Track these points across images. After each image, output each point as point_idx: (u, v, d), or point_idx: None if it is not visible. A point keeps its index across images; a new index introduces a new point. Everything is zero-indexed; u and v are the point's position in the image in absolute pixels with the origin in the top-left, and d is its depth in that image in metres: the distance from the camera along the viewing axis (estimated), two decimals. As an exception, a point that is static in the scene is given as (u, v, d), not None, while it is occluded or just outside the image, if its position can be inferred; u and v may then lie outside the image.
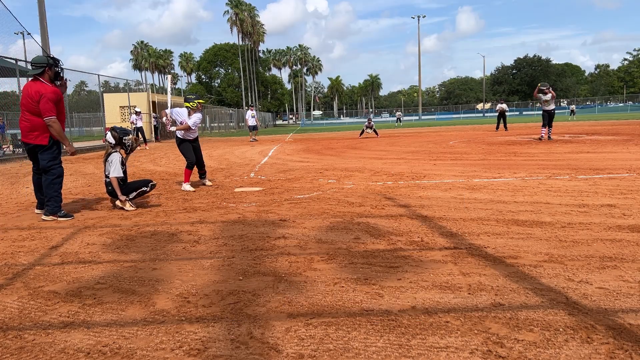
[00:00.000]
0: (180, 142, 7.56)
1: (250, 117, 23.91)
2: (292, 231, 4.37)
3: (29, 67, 16.39)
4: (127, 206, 5.75)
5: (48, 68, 5.37)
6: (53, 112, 5.25)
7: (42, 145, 5.35)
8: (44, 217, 5.40)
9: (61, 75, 5.62)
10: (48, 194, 5.38)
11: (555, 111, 15.53)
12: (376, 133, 22.18)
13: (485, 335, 2.20)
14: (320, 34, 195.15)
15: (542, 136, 15.18)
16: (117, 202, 5.82)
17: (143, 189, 5.98)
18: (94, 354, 2.17)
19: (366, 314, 2.49)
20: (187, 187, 7.29)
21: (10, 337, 2.37)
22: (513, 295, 2.68)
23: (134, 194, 5.90)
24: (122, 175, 5.80)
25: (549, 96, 14.90)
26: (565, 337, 2.16)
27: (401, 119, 52.40)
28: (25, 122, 5.32)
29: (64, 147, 5.54)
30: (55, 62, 5.49)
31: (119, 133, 5.93)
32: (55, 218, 5.34)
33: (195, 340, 2.27)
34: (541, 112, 15.35)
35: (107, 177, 5.83)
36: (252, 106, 26.62)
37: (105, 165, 5.88)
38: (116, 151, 5.89)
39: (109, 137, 5.92)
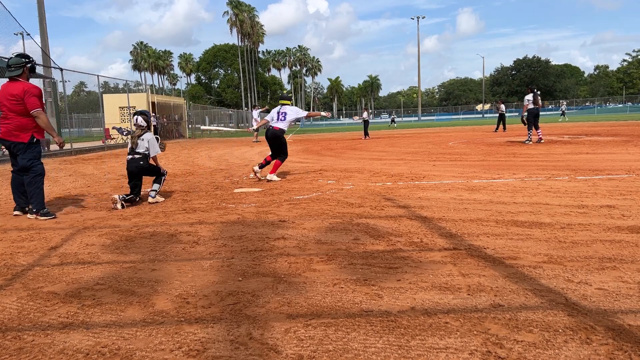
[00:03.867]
0: (283, 134, 8.21)
1: (257, 116, 24.24)
2: (291, 232, 4.37)
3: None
4: (158, 198, 6.31)
5: (25, 67, 5.47)
6: (38, 105, 5.38)
7: (22, 144, 5.42)
8: (29, 215, 5.54)
9: (34, 67, 5.68)
10: (30, 191, 5.46)
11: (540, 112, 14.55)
12: (366, 134, 22.67)
13: (485, 336, 2.20)
14: (321, 35, 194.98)
15: (529, 139, 14.34)
16: (150, 199, 6.23)
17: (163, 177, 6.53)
18: (93, 354, 2.17)
19: (365, 315, 2.49)
20: (273, 177, 8.00)
21: (10, 337, 2.37)
22: (512, 296, 2.68)
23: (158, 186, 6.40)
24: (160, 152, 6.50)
25: (530, 96, 14.10)
26: (564, 338, 2.16)
27: (395, 119, 52.73)
28: (8, 123, 5.40)
29: (53, 138, 5.71)
30: (28, 58, 5.60)
31: (148, 115, 6.51)
32: (37, 216, 5.44)
33: (195, 341, 2.27)
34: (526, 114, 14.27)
35: (137, 154, 6.22)
36: (257, 106, 27.17)
37: (137, 143, 6.25)
38: (149, 131, 6.40)
39: (141, 120, 6.31)
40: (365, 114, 23.55)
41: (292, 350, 2.15)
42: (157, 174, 6.42)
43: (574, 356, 2.01)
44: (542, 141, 14.40)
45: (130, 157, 6.27)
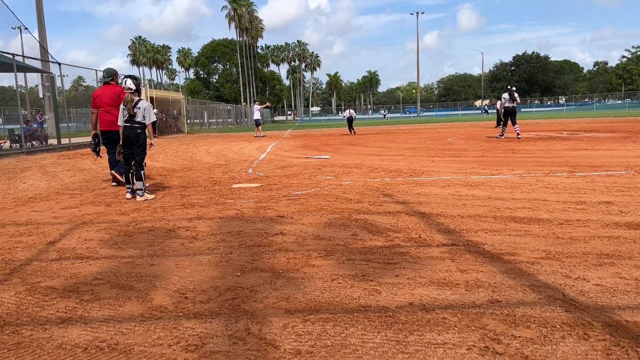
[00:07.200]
0: None
1: (256, 110, 24.62)
2: (290, 227, 4.37)
3: (33, 63, 16.35)
4: (147, 196, 6.20)
5: (115, 75, 7.52)
6: None
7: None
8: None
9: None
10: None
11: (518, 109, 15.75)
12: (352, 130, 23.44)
13: (483, 332, 2.21)
14: (321, 30, 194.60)
15: (502, 134, 15.48)
16: (139, 198, 6.10)
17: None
18: (91, 349, 2.17)
19: (364, 310, 2.49)
20: None
21: (8, 332, 2.37)
22: (510, 292, 2.69)
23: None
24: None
25: (506, 94, 15.24)
26: (562, 334, 2.17)
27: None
28: (111, 116, 7.12)
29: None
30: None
31: (139, 79, 6.47)
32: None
33: (193, 336, 2.27)
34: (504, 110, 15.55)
35: (137, 123, 6.22)
36: (257, 101, 27.70)
37: (135, 113, 6.19)
38: (142, 99, 6.39)
39: (130, 83, 6.22)
40: (347, 112, 24.24)
41: (290, 345, 2.15)
42: (143, 152, 6.33)
43: (571, 352, 2.02)
44: (520, 137, 14.97)
45: (127, 124, 6.22)
